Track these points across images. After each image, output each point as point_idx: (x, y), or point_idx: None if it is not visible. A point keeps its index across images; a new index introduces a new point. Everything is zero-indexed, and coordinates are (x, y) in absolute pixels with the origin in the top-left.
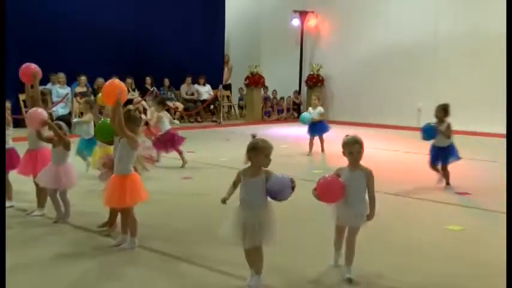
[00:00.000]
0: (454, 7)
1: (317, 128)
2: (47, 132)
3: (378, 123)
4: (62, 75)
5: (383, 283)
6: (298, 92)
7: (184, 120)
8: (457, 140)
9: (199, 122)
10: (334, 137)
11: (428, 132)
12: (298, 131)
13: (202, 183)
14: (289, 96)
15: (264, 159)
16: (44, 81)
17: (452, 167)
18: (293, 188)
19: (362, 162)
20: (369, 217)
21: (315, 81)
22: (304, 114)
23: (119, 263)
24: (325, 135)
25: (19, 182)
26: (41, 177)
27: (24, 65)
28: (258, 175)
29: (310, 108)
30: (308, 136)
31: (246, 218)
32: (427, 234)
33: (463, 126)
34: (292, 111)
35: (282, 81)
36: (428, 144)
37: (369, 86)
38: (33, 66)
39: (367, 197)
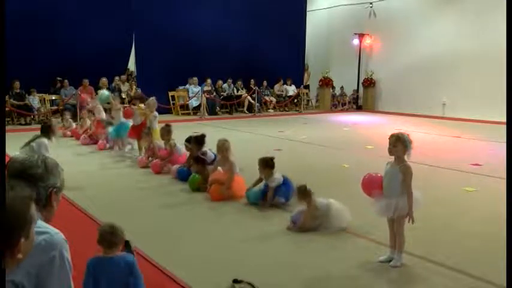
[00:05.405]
0: (471, 28)
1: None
2: None
3: (412, 113)
4: (195, 79)
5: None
6: (357, 91)
7: (276, 109)
8: (472, 126)
9: (286, 111)
10: (386, 127)
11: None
12: (356, 118)
13: (288, 154)
14: (352, 93)
15: None
16: (183, 82)
17: (470, 144)
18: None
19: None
20: (409, 217)
21: (369, 83)
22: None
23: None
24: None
25: None
26: None
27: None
28: None
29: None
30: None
31: None
32: (447, 192)
33: (472, 115)
34: (352, 104)
35: (345, 82)
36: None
37: (407, 86)
38: None
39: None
